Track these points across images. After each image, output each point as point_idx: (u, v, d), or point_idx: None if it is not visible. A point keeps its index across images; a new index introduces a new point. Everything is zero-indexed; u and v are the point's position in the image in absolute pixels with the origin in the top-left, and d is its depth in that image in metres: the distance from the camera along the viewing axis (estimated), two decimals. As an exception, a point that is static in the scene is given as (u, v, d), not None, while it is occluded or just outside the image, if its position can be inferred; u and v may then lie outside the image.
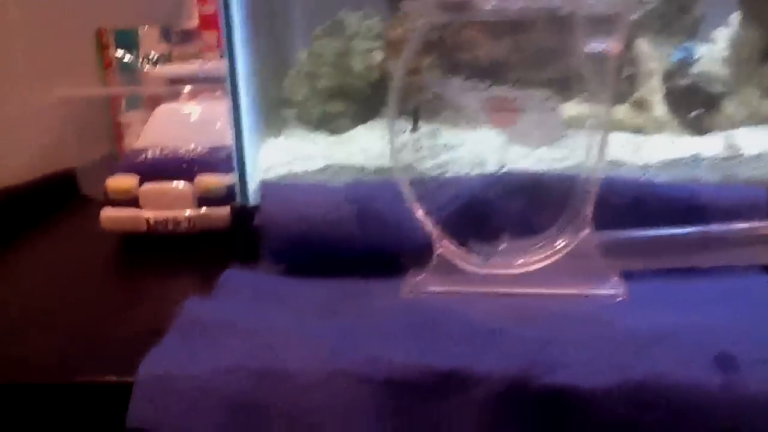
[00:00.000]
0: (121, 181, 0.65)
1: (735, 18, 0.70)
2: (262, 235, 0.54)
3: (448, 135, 0.63)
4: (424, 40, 0.49)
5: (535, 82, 0.47)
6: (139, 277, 0.61)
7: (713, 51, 0.66)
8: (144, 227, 0.65)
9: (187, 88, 0.80)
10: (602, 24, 0.46)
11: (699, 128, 0.66)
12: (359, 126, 0.74)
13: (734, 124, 0.66)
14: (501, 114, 0.48)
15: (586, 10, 0.45)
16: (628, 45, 0.68)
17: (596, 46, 0.46)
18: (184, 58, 0.97)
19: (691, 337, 0.40)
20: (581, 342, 0.40)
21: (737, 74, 0.66)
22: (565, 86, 0.47)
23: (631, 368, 0.38)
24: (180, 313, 0.45)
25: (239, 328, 0.43)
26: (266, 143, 0.68)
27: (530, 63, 0.54)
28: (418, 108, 0.48)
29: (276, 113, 0.77)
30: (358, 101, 0.75)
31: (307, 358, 0.40)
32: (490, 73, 0.58)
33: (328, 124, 0.75)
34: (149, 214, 0.65)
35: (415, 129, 0.49)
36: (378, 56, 0.75)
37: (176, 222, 0.64)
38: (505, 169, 0.51)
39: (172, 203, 0.65)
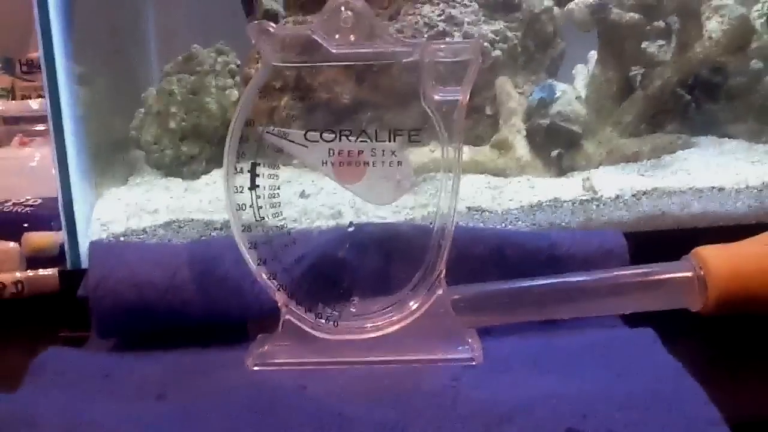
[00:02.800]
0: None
1: (593, 56, 0.70)
2: (89, 304, 0.48)
3: (305, 181, 0.60)
4: (266, 84, 0.45)
5: (387, 127, 0.44)
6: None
7: (573, 90, 0.66)
8: (-39, 294, 0.57)
9: (25, 129, 0.73)
10: (451, 71, 0.43)
11: (560, 168, 0.65)
12: (215, 170, 0.70)
13: (593, 164, 0.65)
14: (347, 169, 0.45)
15: (433, 57, 0.43)
16: (488, 84, 0.67)
17: (444, 94, 0.43)
18: (31, 93, 0.89)
19: (542, 411, 0.38)
20: (428, 423, 0.37)
21: (596, 113, 0.66)
22: (417, 132, 0.44)
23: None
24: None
25: (46, 426, 0.37)
26: (106, 194, 0.62)
27: (383, 107, 0.52)
28: (256, 164, 0.44)
29: (123, 156, 0.71)
30: (214, 142, 0.70)
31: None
32: (344, 116, 0.55)
33: (182, 167, 0.69)
34: (-32, 278, 0.57)
35: (253, 187, 0.44)
36: (233, 95, 0.71)
37: (1, 286, 0.57)
38: (353, 226, 0.48)
39: (-5, 265, 0.58)
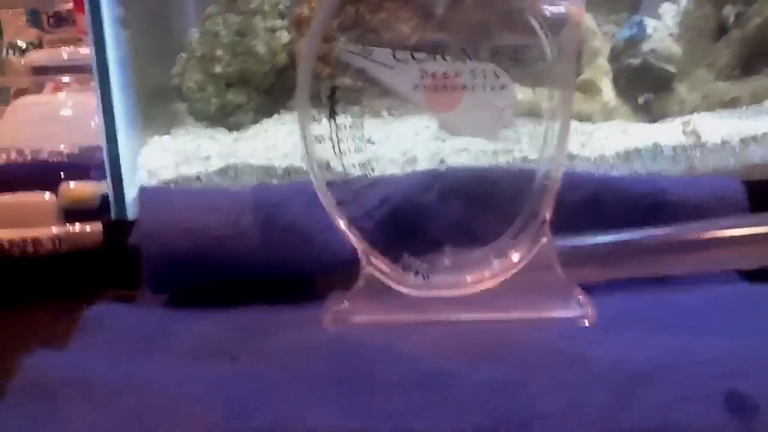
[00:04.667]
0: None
1: (682, -8, 0.63)
2: (139, 256, 0.42)
3: (368, 126, 0.54)
4: (338, 7, 0.39)
5: (475, 54, 0.38)
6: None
7: (665, 27, 0.59)
8: (-6, 250, 0.51)
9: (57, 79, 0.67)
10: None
11: (650, 113, 0.59)
12: (264, 120, 0.63)
13: (687, 109, 0.59)
14: (442, 94, 0.38)
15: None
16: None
17: (554, 9, 0.37)
18: (58, 45, 0.83)
19: (684, 371, 0.32)
20: (555, 385, 0.31)
21: (689, 55, 0.59)
22: (523, 48, 0.38)
23: (623, 419, 0.29)
24: (20, 372, 0.32)
25: (97, 388, 0.32)
26: (151, 142, 0.56)
27: (467, 36, 0.45)
28: (336, 90, 0.38)
29: (164, 105, 0.65)
30: (262, 90, 0.64)
31: (188, 428, 0.29)
32: (438, 36, 0.48)
33: (227, 117, 0.63)
34: (1, 233, 0.51)
35: (333, 117, 0.38)
36: (284, 36, 0.64)
37: (37, 242, 0.52)
38: (444, 166, 0.42)
39: (31, 219, 0.52)
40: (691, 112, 0.59)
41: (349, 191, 0.39)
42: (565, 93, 0.38)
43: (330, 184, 0.39)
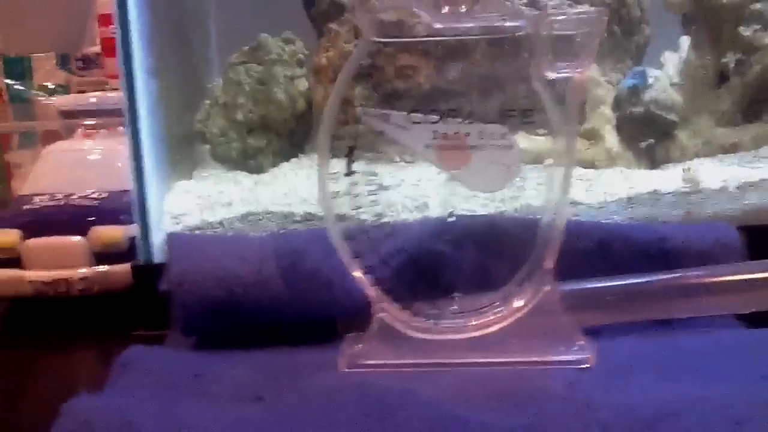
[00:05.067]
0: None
1: (684, 42, 0.66)
2: (170, 300, 0.45)
3: (382, 173, 0.56)
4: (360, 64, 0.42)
5: (484, 114, 0.41)
6: (23, 355, 0.51)
7: (666, 76, 0.62)
8: (28, 290, 0.54)
9: (85, 123, 0.70)
10: (565, 45, 0.39)
11: (652, 160, 0.61)
12: (283, 163, 0.67)
13: (689, 155, 0.61)
14: (452, 153, 0.41)
15: (549, 30, 0.39)
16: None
17: (559, 72, 0.39)
18: (86, 88, 0.87)
19: (693, 418, 0.33)
20: (567, 428, 0.33)
21: (690, 101, 0.62)
22: (520, 117, 0.41)
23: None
24: (62, 416, 0.35)
25: (137, 430, 0.34)
26: (175, 187, 0.60)
27: (478, 92, 0.48)
28: (354, 147, 0.41)
29: (187, 150, 0.69)
30: (281, 135, 0.67)
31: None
32: (430, 104, 0.51)
33: (248, 161, 0.67)
34: (35, 274, 0.54)
35: (350, 172, 0.41)
36: (302, 84, 0.68)
37: (69, 283, 0.55)
38: (454, 215, 0.44)
39: (63, 261, 0.55)
40: (693, 158, 0.61)
41: (365, 242, 0.42)
42: (567, 150, 0.41)
43: (347, 236, 0.42)
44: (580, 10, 0.39)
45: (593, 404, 0.35)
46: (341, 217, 0.42)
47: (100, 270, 0.55)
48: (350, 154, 0.41)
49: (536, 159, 0.47)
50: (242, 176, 0.64)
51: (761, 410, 0.33)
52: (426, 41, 0.41)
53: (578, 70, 0.39)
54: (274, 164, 0.66)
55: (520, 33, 0.39)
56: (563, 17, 0.39)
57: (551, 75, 0.40)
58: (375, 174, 0.41)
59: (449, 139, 0.41)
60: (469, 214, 0.46)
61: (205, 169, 0.67)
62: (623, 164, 0.61)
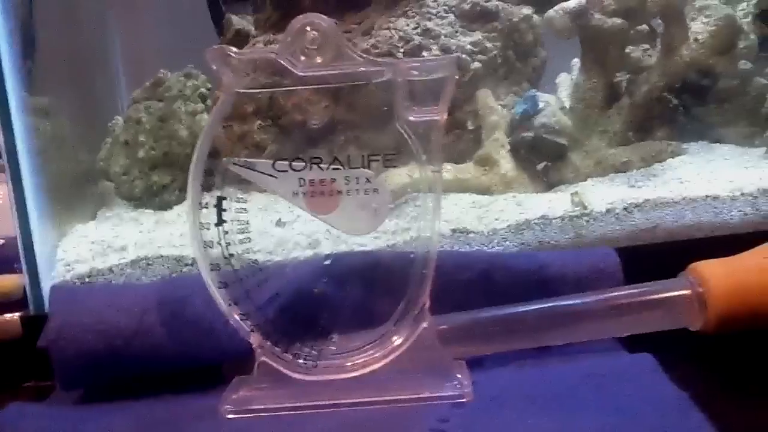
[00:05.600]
0: None
1: (576, 64, 0.68)
2: (51, 355, 0.44)
3: (281, 209, 0.57)
4: (232, 112, 0.42)
5: (361, 152, 0.42)
6: None
7: (557, 100, 0.64)
8: None
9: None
10: (428, 88, 0.41)
11: (547, 182, 0.63)
12: (189, 198, 0.66)
13: (581, 176, 0.63)
14: (319, 199, 0.42)
15: (406, 76, 0.40)
16: (470, 97, 0.65)
17: (420, 114, 0.41)
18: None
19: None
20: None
21: (581, 124, 0.64)
22: (393, 155, 0.42)
23: None
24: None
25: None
26: (73, 231, 0.59)
27: (359, 129, 0.49)
28: (222, 198, 0.41)
29: (90, 190, 0.68)
30: (186, 171, 0.67)
31: None
32: (319, 139, 0.52)
33: (153, 198, 0.66)
34: (-74, 328, 0.54)
35: (220, 223, 0.41)
36: (205, 119, 0.68)
37: (-38, 334, 0.54)
38: (329, 259, 0.45)
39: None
40: (586, 178, 0.63)
41: (240, 290, 0.42)
42: (434, 188, 0.42)
43: (222, 284, 0.42)
44: (433, 57, 0.40)
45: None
46: (216, 266, 0.42)
47: (-7, 321, 0.54)
48: (219, 205, 0.41)
49: (410, 192, 0.48)
50: (147, 215, 0.64)
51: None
52: (292, 89, 0.42)
53: (437, 111, 0.41)
54: (180, 200, 0.67)
55: (380, 80, 0.40)
56: (417, 64, 0.40)
57: (413, 118, 0.41)
58: (247, 222, 0.42)
59: (316, 186, 0.41)
60: (346, 251, 0.47)
61: (111, 208, 0.67)
62: (519, 188, 0.62)
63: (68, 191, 0.60)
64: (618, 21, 0.63)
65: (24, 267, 0.51)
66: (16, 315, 0.52)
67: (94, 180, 0.69)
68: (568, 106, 0.65)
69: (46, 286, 0.52)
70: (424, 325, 0.43)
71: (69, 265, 0.54)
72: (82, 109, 0.68)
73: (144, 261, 0.53)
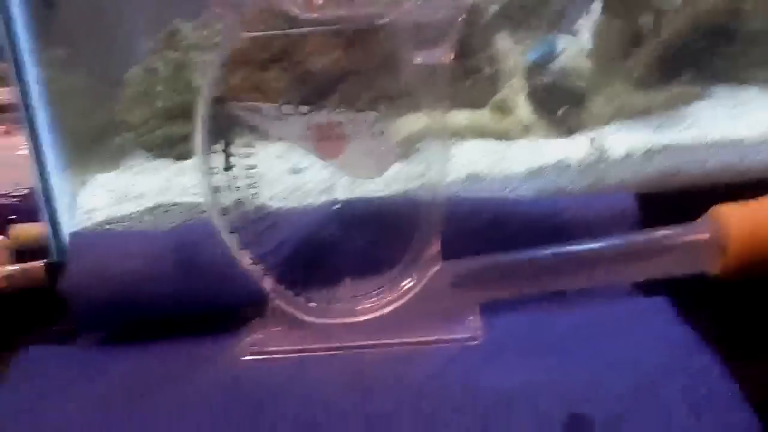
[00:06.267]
0: None
1: (597, 6, 0.66)
2: (69, 299, 0.46)
3: (295, 157, 0.57)
4: (237, 57, 0.42)
5: (367, 99, 0.41)
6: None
7: (576, 44, 0.62)
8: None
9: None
10: (430, 31, 0.40)
11: (566, 128, 0.61)
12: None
13: (602, 121, 0.61)
14: (326, 143, 0.42)
15: (410, 18, 0.39)
16: (486, 42, 0.63)
17: (425, 56, 0.40)
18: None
19: (545, 398, 0.35)
20: (420, 415, 0.35)
21: (602, 68, 0.62)
22: (399, 100, 0.41)
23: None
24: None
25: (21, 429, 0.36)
26: (93, 180, 0.60)
27: (370, 74, 0.48)
28: (230, 143, 0.41)
29: (111, 140, 0.69)
30: (204, 120, 0.67)
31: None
32: (333, 86, 0.51)
33: (173, 147, 0.67)
34: (-45, 275, 0.55)
35: (228, 167, 0.42)
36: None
37: (-10, 281, 0.56)
38: (339, 204, 0.45)
39: (-18, 260, 0.56)
40: (607, 123, 0.61)
41: (252, 234, 0.43)
42: (440, 130, 0.41)
43: (233, 229, 0.42)
44: (438, -1, 0.39)
45: (454, 387, 0.36)
46: (226, 210, 0.42)
47: (17, 268, 0.56)
48: (227, 150, 0.42)
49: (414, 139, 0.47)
50: (166, 164, 0.65)
51: (611, 387, 0.35)
52: (293, 31, 0.41)
53: (443, 53, 0.40)
54: (199, 150, 0.67)
55: (382, 21, 0.40)
56: (420, 3, 0.39)
57: (418, 60, 0.40)
58: (254, 166, 0.42)
59: (323, 129, 0.41)
60: (356, 198, 0.47)
61: (131, 158, 0.68)
62: (538, 134, 0.61)
63: (88, 142, 0.60)
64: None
65: (44, 215, 0.52)
66: (41, 263, 0.54)
67: (114, 131, 0.69)
68: (588, 50, 0.63)
69: (67, 234, 0.53)
70: (435, 269, 0.43)
71: (88, 213, 0.54)
72: (100, 60, 0.68)
73: (161, 208, 0.53)
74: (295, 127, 0.41)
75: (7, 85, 0.81)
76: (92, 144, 0.62)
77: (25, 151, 0.65)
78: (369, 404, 0.36)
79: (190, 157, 0.66)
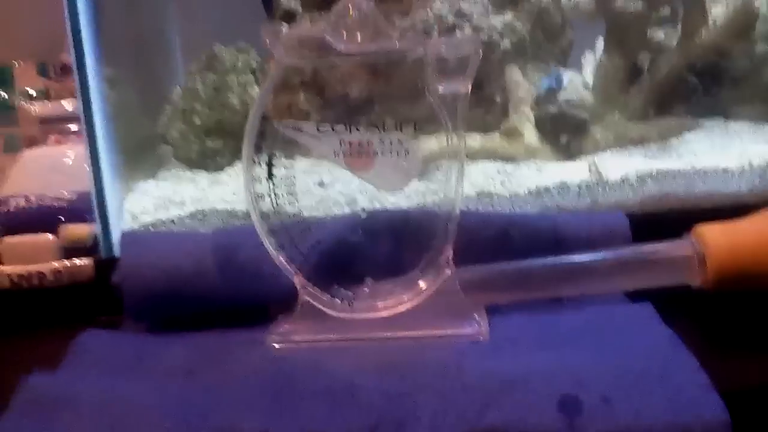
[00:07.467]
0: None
1: (600, 44, 0.72)
2: (122, 291, 0.51)
3: (323, 171, 0.63)
4: (280, 82, 0.48)
5: (396, 119, 0.47)
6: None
7: (580, 77, 0.68)
8: (6, 283, 0.61)
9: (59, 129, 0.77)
10: (456, 64, 0.46)
11: (569, 154, 0.67)
12: (239, 162, 0.73)
13: (601, 148, 0.67)
14: (357, 159, 0.48)
15: (435, 53, 0.46)
16: (499, 73, 0.70)
17: (446, 87, 0.46)
18: (64, 94, 0.93)
19: (541, 382, 0.40)
20: (433, 392, 0.40)
21: (602, 100, 0.68)
22: (423, 123, 0.47)
23: (478, 419, 0.38)
24: (18, 391, 0.42)
25: (84, 403, 0.41)
26: (137, 187, 0.66)
27: (394, 100, 0.54)
28: (272, 156, 0.47)
29: (152, 152, 0.75)
30: (237, 137, 0.73)
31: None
32: (358, 110, 0.58)
33: (208, 161, 0.73)
34: (12, 269, 0.61)
35: (270, 177, 0.47)
36: (255, 90, 0.74)
37: (41, 276, 0.61)
38: (365, 213, 0.51)
39: (35, 256, 0.61)
40: (605, 150, 0.67)
41: (286, 237, 0.48)
42: (458, 151, 0.47)
43: (271, 232, 0.48)
44: (458, 36, 0.45)
45: (463, 372, 0.42)
46: (266, 215, 0.48)
47: (67, 264, 0.61)
48: (270, 162, 0.48)
49: (440, 157, 0.53)
50: (201, 175, 0.71)
51: (598, 374, 0.40)
52: (333, 61, 0.47)
53: (463, 84, 0.46)
54: (231, 163, 0.73)
55: (413, 56, 0.46)
56: (445, 42, 0.45)
57: (441, 90, 0.46)
58: (294, 177, 0.48)
59: (354, 147, 0.47)
60: (379, 209, 0.53)
61: (169, 169, 0.74)
62: (542, 158, 0.67)
63: (133, 153, 0.66)
64: (640, 5, 0.67)
65: (96, 217, 0.58)
66: (90, 259, 0.59)
67: (155, 144, 0.75)
68: (591, 84, 0.70)
69: (114, 234, 0.59)
70: (448, 272, 0.49)
71: (135, 216, 0.60)
72: (145, 80, 0.75)
73: (200, 214, 0.59)
74: (331, 144, 0.47)
75: (60, 99, 0.88)
76: (135, 155, 0.68)
77: (71, 160, 0.71)
78: (388, 384, 0.41)
79: (222, 170, 0.73)
